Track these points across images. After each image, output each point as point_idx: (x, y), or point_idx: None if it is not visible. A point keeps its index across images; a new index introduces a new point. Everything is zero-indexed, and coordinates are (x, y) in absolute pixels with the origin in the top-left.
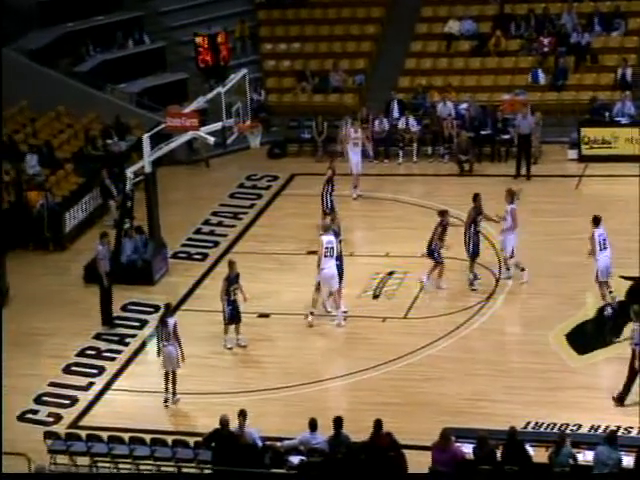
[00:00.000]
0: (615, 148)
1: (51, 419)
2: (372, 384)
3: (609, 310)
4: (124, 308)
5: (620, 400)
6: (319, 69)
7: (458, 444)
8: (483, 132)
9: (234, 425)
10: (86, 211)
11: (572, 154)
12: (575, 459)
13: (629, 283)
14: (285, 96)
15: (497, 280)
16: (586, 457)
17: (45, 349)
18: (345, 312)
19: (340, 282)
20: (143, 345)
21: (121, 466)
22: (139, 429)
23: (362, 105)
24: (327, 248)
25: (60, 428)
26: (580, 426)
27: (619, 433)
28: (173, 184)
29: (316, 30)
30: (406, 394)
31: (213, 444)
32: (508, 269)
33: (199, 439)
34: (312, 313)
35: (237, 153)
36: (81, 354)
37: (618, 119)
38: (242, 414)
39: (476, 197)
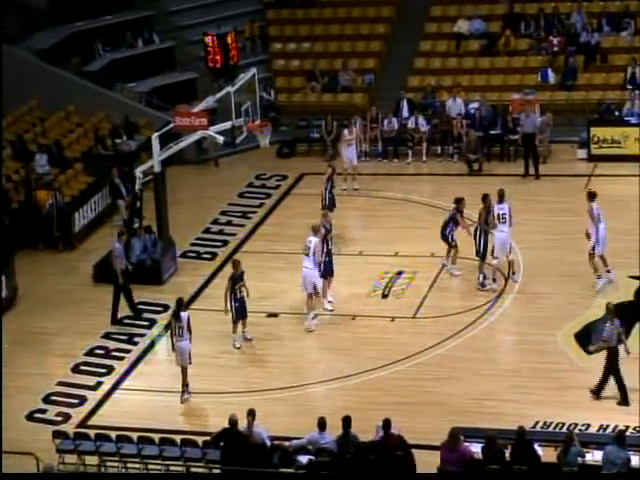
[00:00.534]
0: (625, 148)
1: (60, 418)
2: (381, 384)
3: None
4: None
5: (596, 394)
6: (328, 68)
7: (467, 444)
8: (492, 132)
9: (243, 425)
10: (95, 211)
11: (581, 153)
12: (583, 456)
13: (637, 283)
14: (294, 95)
15: (506, 280)
16: (595, 457)
17: (54, 348)
18: (315, 316)
19: (330, 277)
20: (152, 344)
21: (130, 465)
22: (148, 428)
23: (371, 104)
24: (305, 246)
25: (69, 427)
26: (589, 426)
27: (628, 433)
28: (182, 183)
29: (325, 29)
30: (415, 394)
31: (222, 444)
32: (513, 273)
33: (208, 438)
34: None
35: (246, 152)
36: (90, 353)
37: (628, 119)
38: (251, 414)
39: (485, 198)
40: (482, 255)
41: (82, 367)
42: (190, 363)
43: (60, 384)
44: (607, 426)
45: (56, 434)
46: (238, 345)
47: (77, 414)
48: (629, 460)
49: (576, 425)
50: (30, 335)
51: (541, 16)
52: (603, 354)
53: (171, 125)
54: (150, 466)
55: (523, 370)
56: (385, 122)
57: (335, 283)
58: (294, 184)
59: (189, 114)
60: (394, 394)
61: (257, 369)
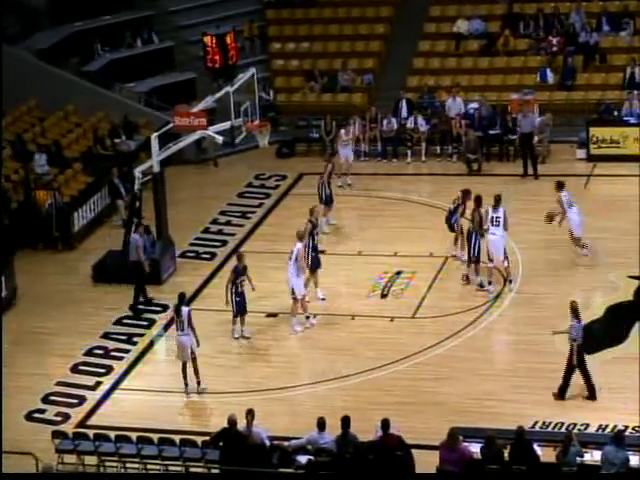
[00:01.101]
0: (624, 148)
1: (59, 418)
2: (380, 384)
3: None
4: (132, 307)
5: (560, 395)
6: (328, 68)
7: (466, 444)
8: (492, 132)
9: (242, 425)
10: (94, 211)
11: (581, 153)
12: (582, 456)
13: (637, 282)
14: (294, 95)
15: (505, 280)
16: (594, 457)
17: (53, 348)
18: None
19: (318, 269)
20: (151, 344)
21: (129, 465)
22: (147, 428)
23: (371, 104)
24: (291, 251)
25: (68, 427)
26: (588, 425)
27: (626, 433)
28: (181, 183)
29: (325, 29)
30: (414, 394)
31: (221, 443)
32: (510, 281)
33: (207, 438)
34: (308, 317)
35: (245, 152)
36: (89, 353)
37: (627, 119)
38: (250, 413)
39: (478, 200)
40: (476, 258)
41: (81, 367)
42: (194, 359)
43: (59, 384)
44: (606, 426)
45: (55, 434)
46: (237, 336)
47: (76, 414)
48: (628, 460)
49: (575, 425)
50: (29, 335)
51: (540, 16)
52: (605, 354)
53: (170, 125)
54: (149, 466)
55: (522, 370)
56: (384, 122)
57: (334, 283)
58: (293, 184)
59: (188, 114)
60: (393, 394)
61: (256, 369)
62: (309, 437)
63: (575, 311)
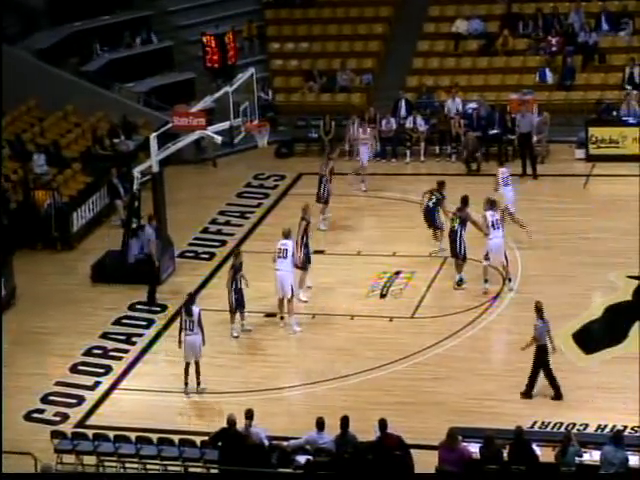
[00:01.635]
0: (623, 148)
1: (58, 418)
2: (379, 383)
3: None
4: (131, 307)
5: (527, 395)
6: (327, 68)
7: (465, 443)
8: (491, 132)
9: (241, 425)
10: (93, 210)
11: (580, 153)
12: (581, 456)
13: (636, 282)
14: (293, 95)
15: (504, 280)
16: (593, 457)
17: (52, 348)
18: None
19: (308, 266)
20: (150, 344)
21: (128, 465)
22: (146, 428)
23: (370, 104)
24: (279, 249)
25: (67, 427)
26: (587, 425)
27: (625, 433)
28: (180, 183)
29: (324, 29)
30: (413, 394)
31: (220, 443)
32: (510, 280)
33: (206, 438)
34: (282, 318)
35: (244, 152)
36: (88, 353)
37: (626, 119)
38: (249, 414)
39: (465, 200)
40: (463, 256)
41: (80, 367)
42: (201, 357)
43: (58, 384)
44: (605, 426)
45: (54, 434)
46: (236, 334)
47: (75, 414)
48: (627, 460)
49: (574, 425)
50: (28, 335)
51: (539, 16)
52: (604, 354)
53: (169, 125)
54: (148, 466)
55: (521, 370)
56: (383, 122)
57: (334, 283)
58: (292, 184)
59: (187, 114)
60: (393, 394)
61: (255, 369)
62: (308, 437)
63: (539, 311)
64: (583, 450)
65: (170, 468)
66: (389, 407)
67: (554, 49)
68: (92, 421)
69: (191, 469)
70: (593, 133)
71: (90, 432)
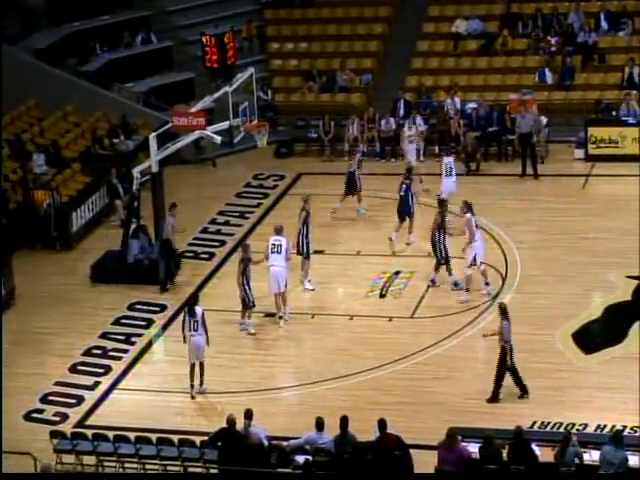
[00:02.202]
0: (622, 148)
1: (57, 418)
2: (378, 383)
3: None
4: (130, 307)
5: (494, 399)
6: (326, 68)
7: (464, 443)
8: (490, 132)
9: (240, 425)
10: (93, 211)
11: (579, 153)
12: (581, 458)
13: (635, 282)
14: (292, 95)
15: (503, 280)
16: (592, 457)
17: (51, 348)
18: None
19: (308, 259)
20: (149, 344)
21: (127, 465)
22: (145, 428)
23: (369, 104)
24: (273, 245)
25: (66, 427)
26: (586, 425)
27: (625, 433)
28: (180, 183)
29: (323, 29)
30: (413, 394)
31: (219, 443)
32: (487, 283)
33: (205, 438)
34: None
35: (244, 152)
36: (87, 353)
37: (625, 119)
38: (248, 413)
39: (442, 202)
40: (445, 259)
41: (79, 367)
42: (204, 357)
43: (57, 384)
44: (604, 426)
45: (54, 434)
46: (253, 331)
47: (75, 414)
48: (627, 460)
49: (574, 425)
50: (27, 335)
51: (539, 16)
52: (604, 354)
53: (169, 125)
54: (148, 466)
55: (521, 370)
56: (383, 122)
57: (333, 283)
58: (292, 184)
59: (187, 114)
60: (392, 394)
61: (255, 369)
62: (307, 437)
63: (504, 312)
64: (583, 450)
65: (169, 468)
66: (388, 407)
67: (553, 49)
68: (91, 421)
69: (190, 469)
70: (592, 133)
71: (89, 432)
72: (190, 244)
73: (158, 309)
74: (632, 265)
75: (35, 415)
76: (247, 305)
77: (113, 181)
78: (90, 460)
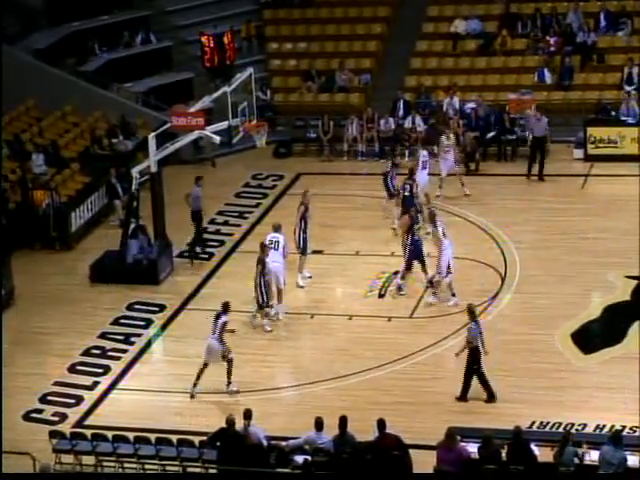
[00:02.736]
0: (621, 148)
1: (56, 418)
2: (378, 383)
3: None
4: (129, 307)
5: (462, 398)
6: (325, 68)
7: (463, 443)
8: (489, 132)
9: (240, 424)
10: (92, 211)
11: (578, 153)
12: (581, 458)
13: (634, 282)
14: (291, 95)
15: (503, 280)
16: (591, 457)
17: (50, 348)
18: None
19: (307, 253)
20: (149, 344)
21: (126, 465)
22: (144, 428)
23: (368, 104)
24: (270, 241)
25: (65, 427)
26: (585, 425)
27: (624, 433)
28: (179, 183)
29: (322, 29)
30: (412, 393)
31: (218, 443)
32: (434, 293)
33: (204, 438)
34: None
35: (243, 152)
36: (86, 353)
37: (624, 119)
38: (247, 413)
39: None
40: (409, 266)
41: (79, 367)
42: (230, 360)
43: (57, 384)
44: (604, 426)
45: (53, 434)
46: (270, 329)
47: (74, 414)
48: (626, 460)
49: (573, 425)
50: (27, 335)
51: (538, 16)
52: (603, 354)
53: (168, 125)
54: (147, 466)
55: (520, 370)
56: (382, 122)
57: (332, 283)
58: (291, 184)
59: (186, 114)
60: (391, 394)
61: (254, 369)
62: (307, 437)
63: (472, 313)
64: (582, 450)
65: (168, 468)
66: (387, 407)
67: (552, 49)
68: (91, 421)
69: (189, 469)
70: (592, 133)
71: (89, 432)
72: (189, 244)
73: (157, 309)
74: (631, 265)
75: (34, 415)
76: (261, 305)
77: (112, 181)
78: (89, 460)
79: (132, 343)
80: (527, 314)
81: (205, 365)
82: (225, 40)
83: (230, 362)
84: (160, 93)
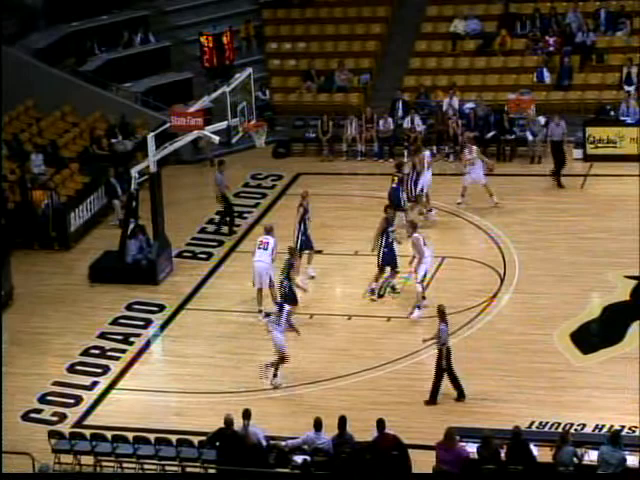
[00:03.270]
0: (620, 148)
1: (55, 418)
2: (377, 383)
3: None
4: (129, 307)
5: (432, 402)
6: (324, 68)
7: (462, 443)
8: (488, 132)
9: (239, 424)
10: (91, 211)
11: (577, 153)
12: (580, 459)
13: (633, 282)
14: (290, 95)
15: (502, 280)
16: (590, 457)
17: (49, 348)
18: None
19: (310, 250)
20: (148, 344)
21: (125, 465)
22: (143, 428)
23: (367, 104)
24: (261, 242)
25: (64, 427)
26: (584, 425)
27: (623, 432)
28: (178, 183)
29: (321, 29)
30: (411, 393)
31: (217, 443)
32: (419, 306)
33: (203, 438)
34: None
35: (242, 152)
36: (85, 353)
37: (623, 119)
38: (246, 413)
39: (387, 209)
40: (383, 266)
41: (78, 367)
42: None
43: (56, 384)
44: (603, 426)
45: (52, 434)
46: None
47: (73, 414)
48: (624, 460)
49: (572, 425)
50: (26, 335)
51: (537, 16)
52: (601, 354)
53: (167, 125)
54: (146, 466)
55: (519, 370)
56: (381, 122)
57: (331, 283)
58: (290, 184)
59: (185, 114)
60: (390, 394)
61: (253, 369)
62: (306, 437)
63: (442, 314)
64: (581, 450)
65: (168, 468)
66: (387, 407)
67: (552, 49)
68: (90, 421)
69: (189, 469)
70: (591, 133)
71: (88, 432)
72: (188, 244)
73: (156, 309)
74: (630, 265)
75: (33, 415)
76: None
77: (111, 181)
78: (88, 460)
79: (131, 343)
80: (526, 314)
81: (283, 358)
82: (224, 40)
83: (283, 358)
84: (159, 93)
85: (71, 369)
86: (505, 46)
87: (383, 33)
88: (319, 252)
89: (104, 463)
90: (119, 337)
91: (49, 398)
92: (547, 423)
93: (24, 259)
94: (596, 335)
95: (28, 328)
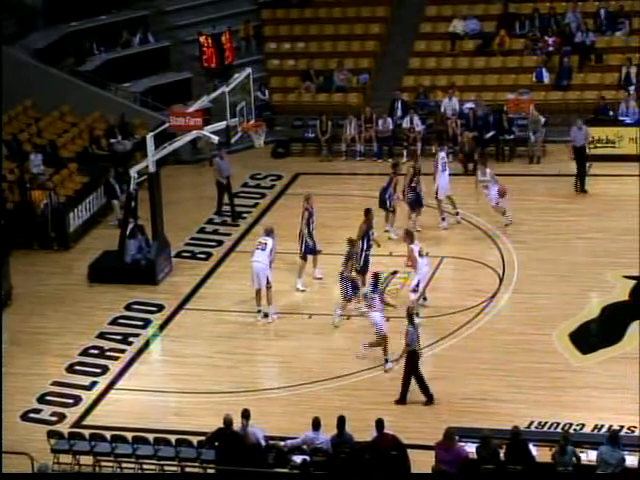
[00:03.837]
0: (619, 148)
1: (54, 418)
2: (376, 383)
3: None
4: (128, 307)
5: (401, 401)
6: (323, 68)
7: (462, 443)
8: (487, 132)
9: (238, 424)
10: (90, 211)
11: None
12: (579, 459)
13: (632, 282)
14: (289, 95)
15: (501, 280)
16: (589, 457)
17: (48, 348)
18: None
19: (316, 255)
20: (147, 344)
21: (124, 465)
22: (142, 428)
23: (366, 104)
24: (259, 242)
25: (63, 427)
26: (583, 425)
27: (622, 432)
28: (177, 183)
29: (320, 29)
30: (410, 393)
31: (216, 443)
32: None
33: (202, 438)
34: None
35: (241, 152)
36: (84, 353)
37: (622, 119)
38: (246, 413)
39: (368, 212)
40: (362, 269)
41: (77, 367)
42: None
43: (55, 384)
44: (602, 426)
45: (51, 434)
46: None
47: (72, 414)
48: (624, 460)
49: (571, 425)
50: (25, 335)
51: (536, 16)
52: (601, 354)
53: (166, 125)
54: (145, 466)
55: (518, 370)
56: (380, 122)
57: (330, 283)
58: (289, 184)
59: (184, 114)
60: (389, 394)
61: (253, 369)
62: (305, 437)
63: (410, 317)
64: (580, 450)
65: (167, 468)
66: (386, 407)
67: (551, 49)
68: (89, 421)
69: (188, 469)
70: (590, 133)
71: (87, 432)
72: (187, 244)
73: (155, 309)
74: (629, 265)
75: (32, 415)
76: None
77: (110, 181)
78: (87, 460)
79: (130, 343)
80: (525, 314)
81: (384, 338)
82: (223, 40)
83: (384, 338)
84: (158, 93)
85: (70, 369)
86: (504, 46)
87: (382, 33)
88: (319, 252)
89: (103, 463)
90: (118, 337)
91: (48, 398)
92: (546, 423)
93: (23, 259)
94: (595, 335)
95: (27, 328)
